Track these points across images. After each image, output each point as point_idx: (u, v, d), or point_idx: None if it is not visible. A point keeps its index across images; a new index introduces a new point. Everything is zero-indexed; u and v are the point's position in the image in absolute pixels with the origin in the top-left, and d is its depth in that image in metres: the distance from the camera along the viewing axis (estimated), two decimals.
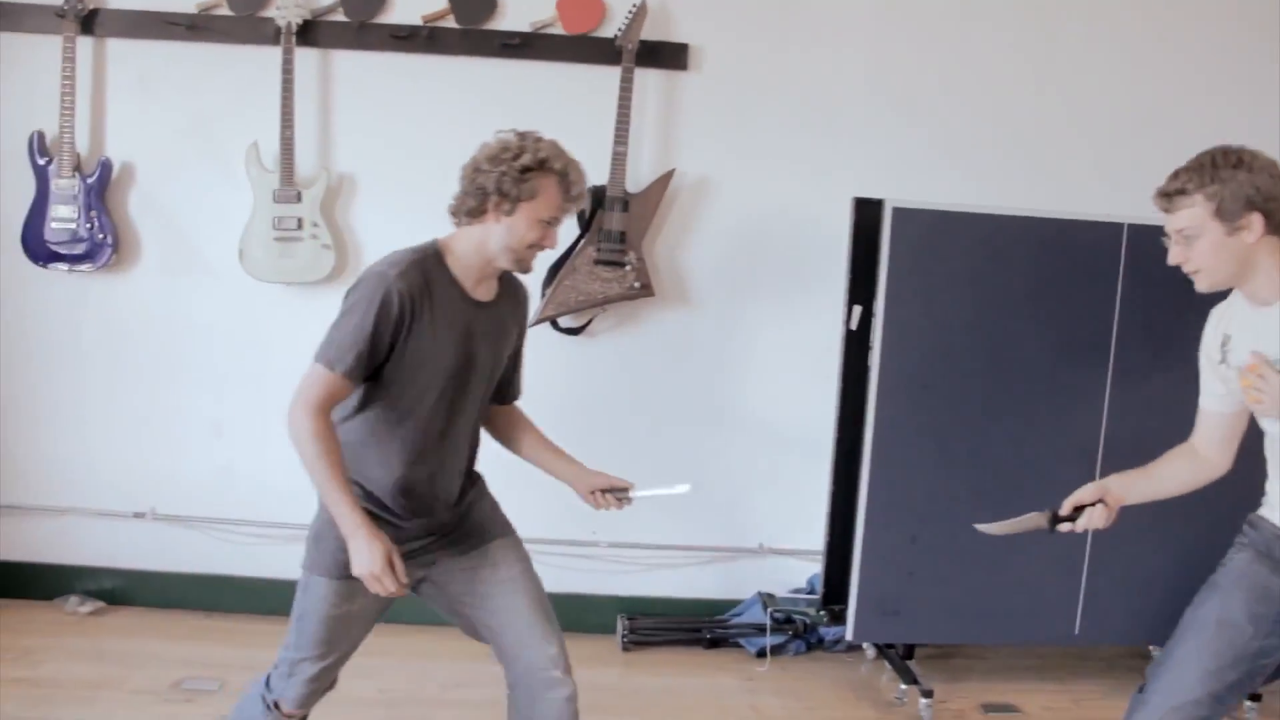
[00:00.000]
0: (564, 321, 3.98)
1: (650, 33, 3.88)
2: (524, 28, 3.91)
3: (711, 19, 4.00)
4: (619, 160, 3.83)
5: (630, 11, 3.83)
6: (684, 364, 4.12)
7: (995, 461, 3.77)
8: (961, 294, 3.70)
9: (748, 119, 4.03)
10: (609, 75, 3.85)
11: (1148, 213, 3.99)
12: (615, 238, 3.87)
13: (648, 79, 3.94)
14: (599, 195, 3.86)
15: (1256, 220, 2.19)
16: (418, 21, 3.89)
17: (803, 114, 4.06)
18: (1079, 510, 2.54)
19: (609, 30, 3.90)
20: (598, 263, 3.89)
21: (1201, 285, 2.35)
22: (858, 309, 3.82)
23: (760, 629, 4.04)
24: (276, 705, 2.55)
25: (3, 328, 3.98)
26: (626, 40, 3.81)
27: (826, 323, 3.99)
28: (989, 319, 3.70)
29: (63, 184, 3.80)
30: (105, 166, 3.86)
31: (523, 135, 2.43)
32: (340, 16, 3.88)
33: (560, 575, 4.08)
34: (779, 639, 4.04)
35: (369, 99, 3.97)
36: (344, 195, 3.99)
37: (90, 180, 3.82)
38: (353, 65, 3.94)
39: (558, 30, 3.92)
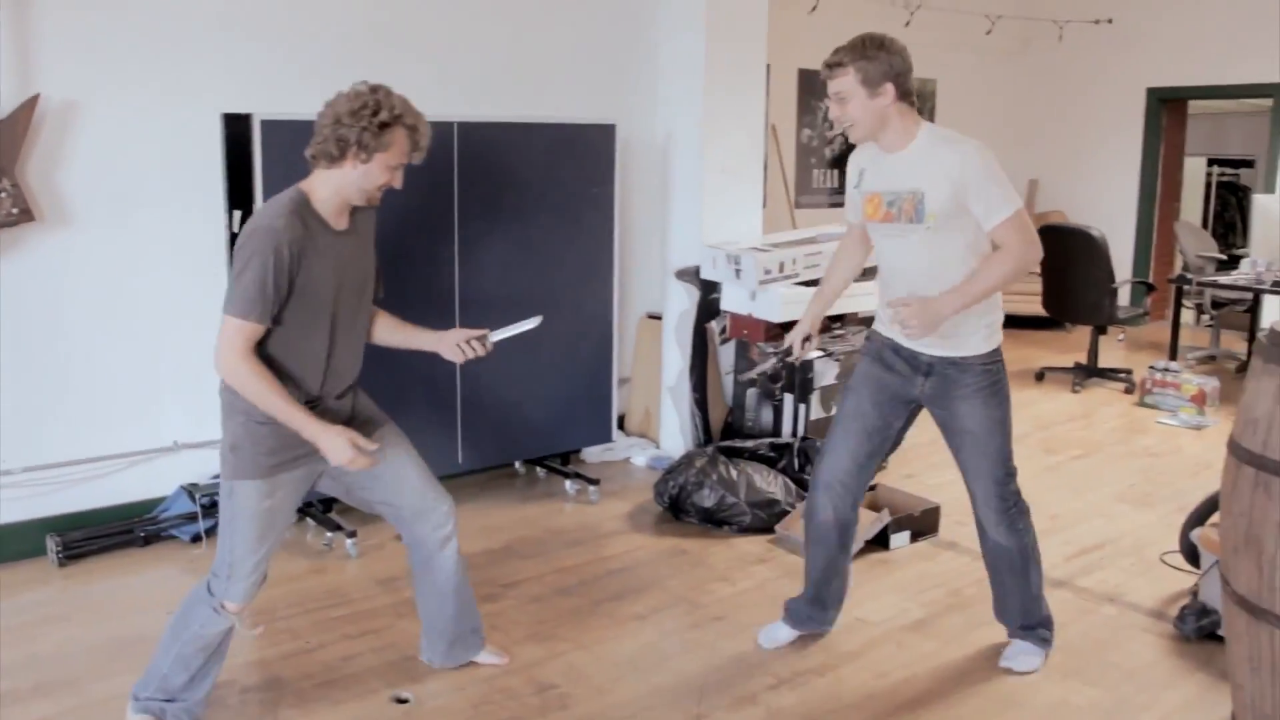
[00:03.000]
0: None
1: None
2: None
3: None
4: None
5: None
6: (74, 281, 4.22)
7: None
8: None
9: (107, 41, 4.17)
10: None
11: (473, 112, 4.87)
12: None
13: None
14: None
15: (890, 89, 3.03)
16: None
17: (163, 35, 4.29)
18: None
19: None
20: None
21: (855, 135, 3.14)
22: (238, 213, 4.25)
23: (190, 518, 4.38)
24: (223, 606, 2.87)
25: None
26: None
27: (208, 228, 4.38)
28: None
29: None
30: None
31: (375, 90, 2.73)
32: None
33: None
34: (208, 523, 4.40)
35: None
36: None
37: None
38: None
39: None
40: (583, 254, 5.05)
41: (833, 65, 3.06)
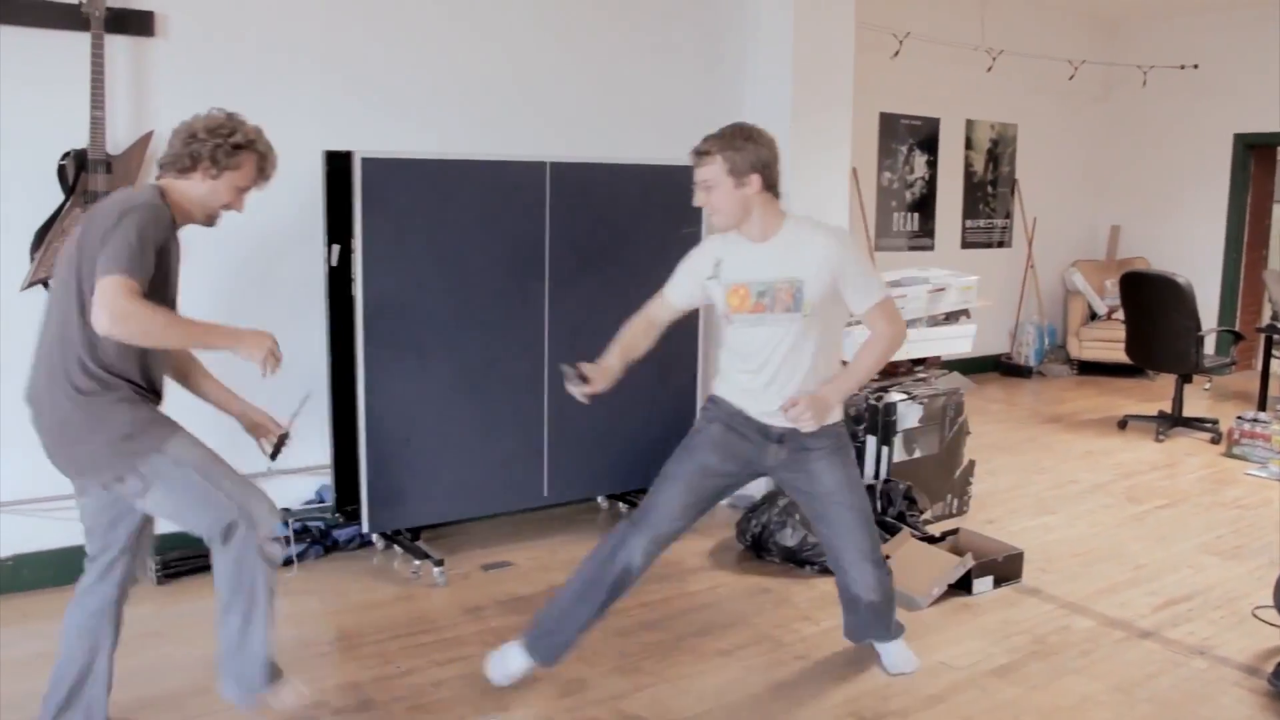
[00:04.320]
0: None
1: (115, 0, 4.07)
2: None
3: None
4: (98, 124, 4.00)
5: None
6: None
7: (465, 364, 4.55)
8: (424, 227, 4.39)
9: (217, 82, 4.34)
10: (78, 41, 3.98)
11: (566, 152, 4.97)
12: (102, 199, 4.04)
13: (117, 45, 4.11)
14: (81, 158, 4.02)
15: (755, 179, 3.07)
16: None
17: (270, 76, 4.47)
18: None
19: None
20: None
21: (718, 223, 3.16)
22: (336, 247, 4.39)
23: (282, 541, 4.48)
24: (271, 537, 3.04)
25: None
26: (93, 7, 3.97)
27: (306, 259, 4.52)
28: (448, 246, 4.43)
29: None
30: None
31: (231, 116, 2.86)
32: None
33: (77, 527, 4.24)
34: (299, 547, 4.52)
35: None
36: None
37: None
38: None
39: None
40: None
41: (700, 153, 3.11)
